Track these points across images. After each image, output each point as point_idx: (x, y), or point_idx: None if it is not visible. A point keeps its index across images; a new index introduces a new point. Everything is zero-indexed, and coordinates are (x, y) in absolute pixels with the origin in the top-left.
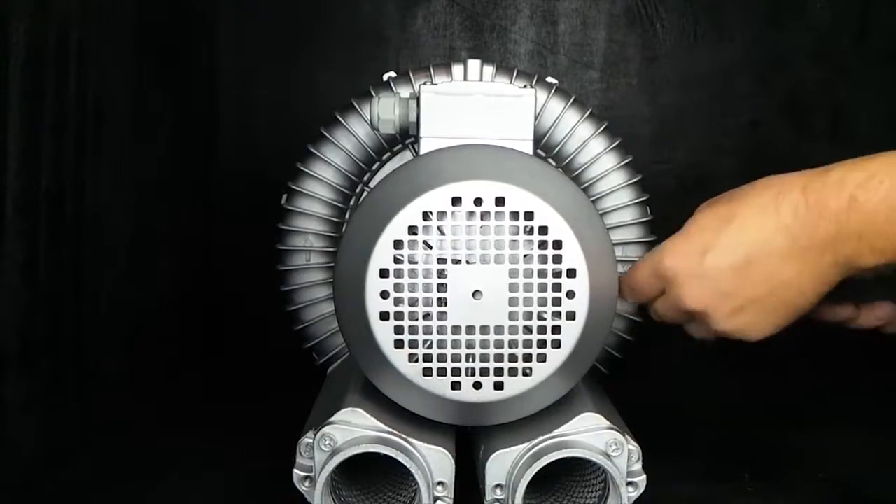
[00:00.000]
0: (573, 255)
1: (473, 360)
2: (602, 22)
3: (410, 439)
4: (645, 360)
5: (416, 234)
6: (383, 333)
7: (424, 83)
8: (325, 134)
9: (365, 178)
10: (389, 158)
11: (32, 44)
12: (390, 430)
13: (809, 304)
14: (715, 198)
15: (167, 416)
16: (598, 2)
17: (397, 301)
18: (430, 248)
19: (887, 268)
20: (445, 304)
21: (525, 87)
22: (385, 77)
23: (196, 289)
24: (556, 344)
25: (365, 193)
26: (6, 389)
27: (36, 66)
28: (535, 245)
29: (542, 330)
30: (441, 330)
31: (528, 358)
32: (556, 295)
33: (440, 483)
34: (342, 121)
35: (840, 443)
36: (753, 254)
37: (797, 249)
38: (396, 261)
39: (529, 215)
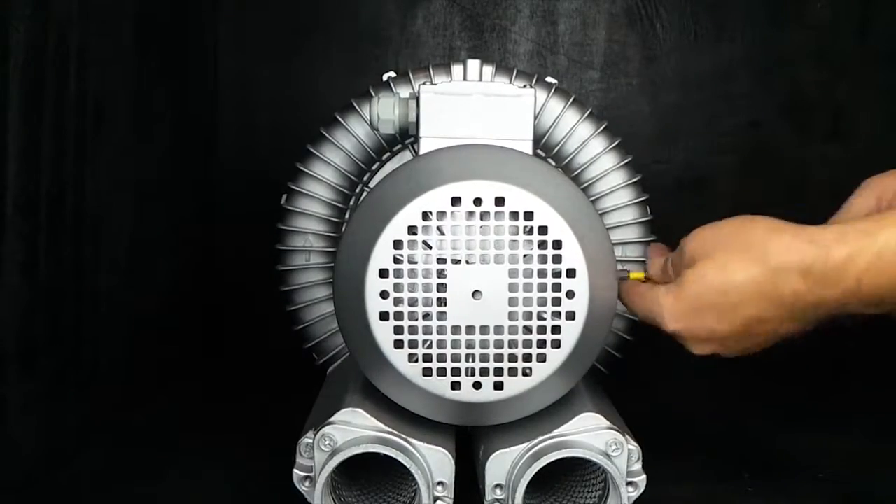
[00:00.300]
0: (573, 254)
1: (473, 360)
2: (602, 22)
3: (410, 439)
4: (644, 360)
5: (415, 234)
6: (383, 333)
7: (424, 83)
8: (325, 134)
9: (365, 178)
10: (389, 158)
11: (32, 44)
12: (390, 430)
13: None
14: (704, 238)
15: (167, 415)
16: (598, 2)
17: (397, 301)
18: (430, 248)
19: None
20: (445, 304)
21: (524, 86)
22: (385, 77)
23: (196, 289)
24: (556, 344)
25: (365, 193)
26: (6, 389)
27: (36, 66)
28: (535, 245)
29: (541, 330)
30: (441, 330)
31: (527, 358)
32: (556, 295)
33: (440, 483)
34: (342, 121)
35: (840, 443)
36: (751, 325)
37: (797, 315)
38: (396, 261)
39: (529, 215)
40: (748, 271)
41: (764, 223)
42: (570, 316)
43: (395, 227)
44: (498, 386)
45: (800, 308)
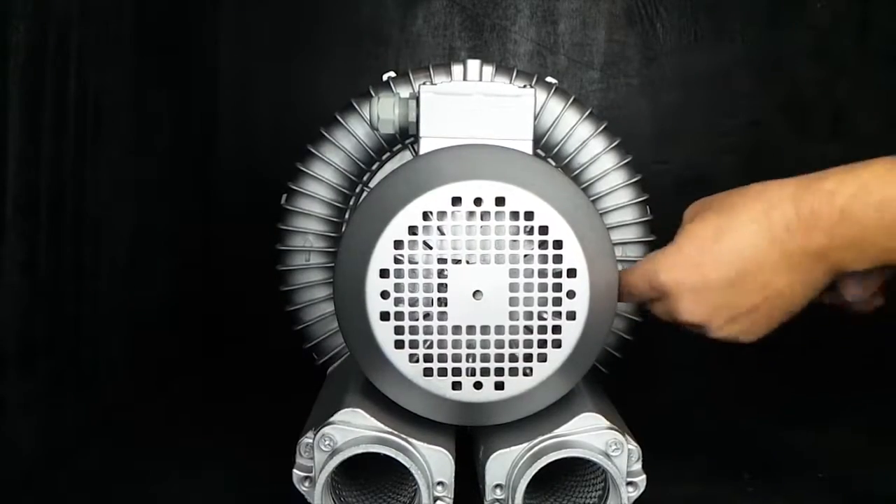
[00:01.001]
0: (573, 254)
1: (474, 360)
2: (602, 22)
3: (410, 439)
4: (645, 360)
5: (416, 234)
6: (383, 333)
7: (424, 83)
8: (325, 134)
9: (365, 178)
10: (389, 158)
11: (32, 44)
12: (390, 430)
13: (800, 306)
14: (703, 202)
15: (167, 416)
16: (598, 2)
17: (397, 301)
18: (431, 248)
19: (876, 268)
20: (446, 304)
21: (524, 86)
22: (385, 77)
23: (196, 289)
24: (557, 344)
25: (365, 193)
26: (6, 389)
27: (36, 66)
28: (536, 245)
29: (542, 330)
30: (441, 330)
31: (528, 358)
32: (557, 295)
33: (440, 483)
34: (342, 121)
35: (840, 443)
36: (747, 268)
37: (790, 261)
38: (396, 261)
39: (529, 215)
40: (744, 211)
41: (758, 183)
42: (571, 316)
43: (396, 227)
44: (498, 386)
45: (792, 247)
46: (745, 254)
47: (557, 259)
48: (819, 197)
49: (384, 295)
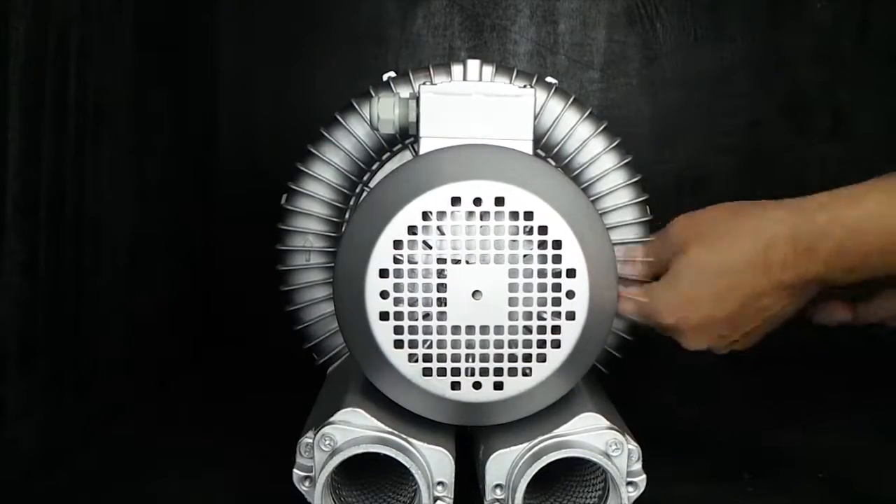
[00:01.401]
0: (573, 254)
1: (473, 360)
2: (602, 22)
3: (410, 439)
4: (646, 360)
5: (415, 234)
6: (383, 333)
7: (424, 83)
8: (325, 134)
9: (365, 178)
10: (389, 158)
11: (32, 44)
12: (390, 430)
13: (792, 318)
14: (694, 226)
15: (167, 416)
16: (598, 2)
17: (397, 301)
18: (430, 248)
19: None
20: (445, 304)
21: (524, 86)
22: (385, 77)
23: (196, 288)
24: (556, 344)
25: (365, 193)
26: (6, 389)
27: (36, 66)
28: (535, 245)
29: (541, 330)
30: (441, 330)
31: (527, 358)
32: (556, 295)
33: (440, 483)
34: (342, 121)
35: (840, 443)
36: (746, 302)
37: (786, 289)
38: (396, 261)
39: (529, 215)
40: (741, 250)
41: (752, 204)
42: (570, 316)
43: (395, 227)
44: (498, 386)
45: (788, 278)
46: (744, 290)
47: (557, 259)
48: (814, 235)
49: (384, 295)
